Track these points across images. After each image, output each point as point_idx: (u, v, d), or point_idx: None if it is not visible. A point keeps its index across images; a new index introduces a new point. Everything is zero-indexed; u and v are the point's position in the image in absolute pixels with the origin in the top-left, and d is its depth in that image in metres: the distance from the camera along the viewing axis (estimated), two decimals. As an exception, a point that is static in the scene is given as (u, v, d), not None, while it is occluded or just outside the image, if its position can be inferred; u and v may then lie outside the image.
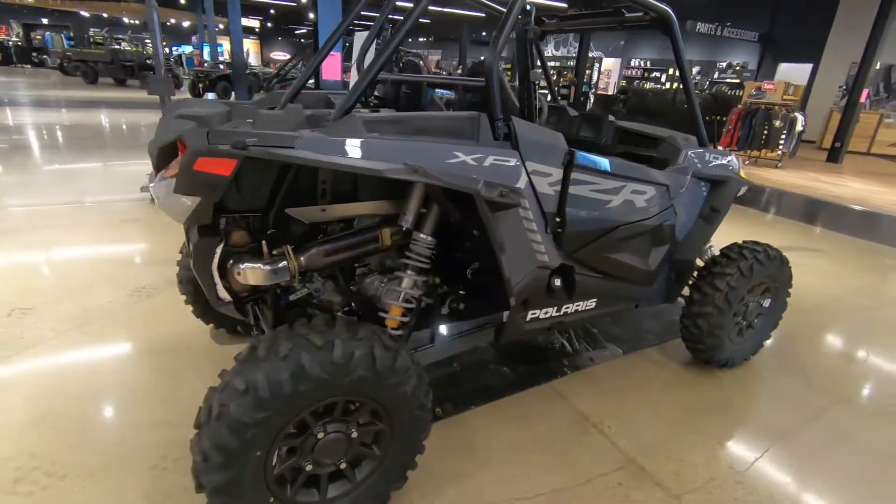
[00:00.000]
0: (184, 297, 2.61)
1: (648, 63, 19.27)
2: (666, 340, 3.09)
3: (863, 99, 11.19)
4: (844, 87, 14.11)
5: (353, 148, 1.43)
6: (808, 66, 15.25)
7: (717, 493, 1.94)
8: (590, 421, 2.32)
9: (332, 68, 5.44)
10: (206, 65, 18.30)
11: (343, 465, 1.60)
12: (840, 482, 2.05)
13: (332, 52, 5.19)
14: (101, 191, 5.44)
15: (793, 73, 15.73)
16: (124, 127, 9.97)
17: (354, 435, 1.57)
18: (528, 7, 1.70)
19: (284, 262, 1.68)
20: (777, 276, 2.66)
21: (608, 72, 21.20)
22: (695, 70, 17.66)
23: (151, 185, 1.58)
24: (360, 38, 5.71)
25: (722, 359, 2.69)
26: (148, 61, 18.21)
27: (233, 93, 15.16)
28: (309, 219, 1.79)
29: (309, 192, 1.78)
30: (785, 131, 9.72)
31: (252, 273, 1.66)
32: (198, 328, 2.80)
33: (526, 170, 1.75)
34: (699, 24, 14.42)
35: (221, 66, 16.40)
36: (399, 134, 1.55)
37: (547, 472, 2.01)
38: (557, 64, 22.30)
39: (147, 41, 24.10)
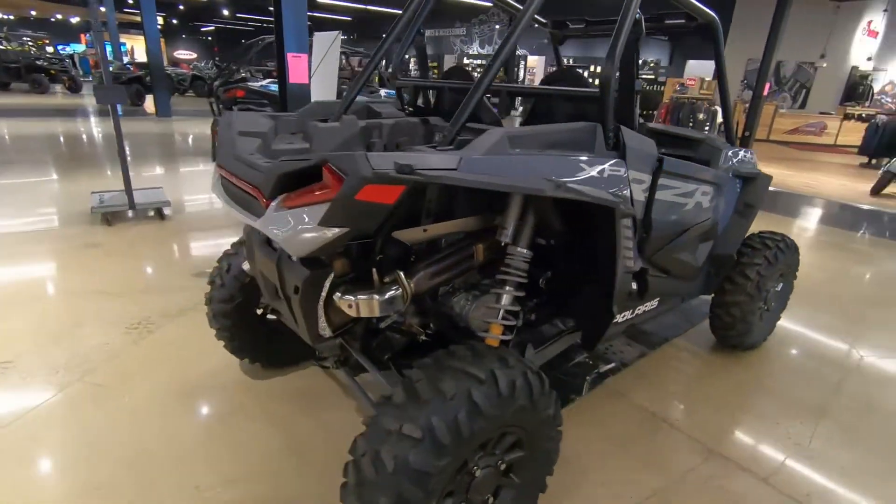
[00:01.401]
0: (215, 332, 2.34)
1: (571, 60, 20.20)
2: (686, 331, 3.26)
3: (765, 92, 12.48)
4: (745, 81, 15.68)
5: (508, 167, 1.35)
6: (713, 63, 16.75)
7: (798, 469, 2.08)
8: (657, 416, 2.39)
9: (299, 71, 5.13)
10: (112, 66, 16.51)
11: (490, 500, 1.52)
12: (881, 444, 2.28)
13: (298, 54, 4.91)
14: (35, 213, 4.74)
15: (699, 69, 17.21)
16: (24, 138, 8.76)
17: (502, 467, 1.49)
18: (638, 15, 1.69)
19: (398, 290, 1.56)
20: (791, 262, 2.90)
21: (533, 69, 21.93)
22: (614, 67, 18.77)
23: (262, 217, 1.38)
24: (319, 38, 5.44)
25: (749, 342, 2.89)
26: (38, 62, 16.14)
27: (148, 97, 13.88)
28: (411, 241, 1.67)
29: (412, 213, 1.66)
30: (708, 123, 10.62)
31: (366, 304, 1.52)
32: (224, 363, 2.54)
33: (628, 178, 1.75)
34: (619, 23, 15.31)
35: (130, 68, 14.93)
36: (532, 148, 1.49)
37: (642, 473, 2.04)
38: (483, 62, 22.72)
39: (28, 40, 21.35)
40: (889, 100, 17.49)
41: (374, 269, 1.57)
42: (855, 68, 16.19)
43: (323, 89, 5.53)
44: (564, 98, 1.99)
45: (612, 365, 2.75)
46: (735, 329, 2.77)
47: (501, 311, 1.77)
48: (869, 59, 15.39)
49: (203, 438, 2.08)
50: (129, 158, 4.40)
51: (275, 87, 7.50)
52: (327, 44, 5.51)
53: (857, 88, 16.69)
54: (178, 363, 2.57)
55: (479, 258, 1.83)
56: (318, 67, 5.40)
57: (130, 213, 4.77)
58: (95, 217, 4.60)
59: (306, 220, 1.26)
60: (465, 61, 23.56)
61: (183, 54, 34.09)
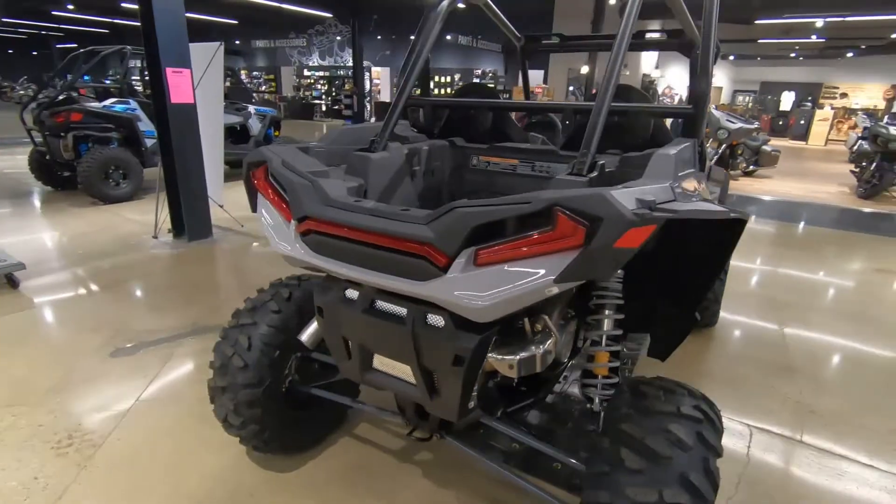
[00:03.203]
0: (234, 428, 1.83)
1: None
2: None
3: (593, 97, 14.43)
4: (571, 88, 17.87)
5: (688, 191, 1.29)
6: (541, 72, 18.75)
7: (813, 424, 2.41)
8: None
9: (182, 88, 4.29)
10: None
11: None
12: (845, 384, 2.76)
13: (179, 69, 4.18)
14: None
15: (531, 78, 19.11)
16: None
17: None
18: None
19: (551, 337, 1.39)
20: (733, 244, 3.35)
21: (377, 80, 21.98)
22: (456, 77, 19.84)
23: (434, 279, 1.08)
24: (195, 49, 4.66)
25: (715, 320, 3.28)
26: None
27: None
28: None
29: None
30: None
31: (530, 361, 1.33)
32: (228, 463, 2.05)
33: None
34: (460, 36, 16.24)
35: None
36: (681, 169, 1.45)
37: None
38: (327, 73, 22.09)
39: None
40: (668, 100, 21.66)
41: (526, 319, 1.37)
42: (645, 75, 19.64)
43: (209, 109, 4.75)
44: (632, 115, 1.97)
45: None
46: (710, 310, 3.12)
47: (605, 338, 1.70)
48: (657, 67, 18.82)
49: (266, 570, 1.60)
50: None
51: (121, 108, 6.23)
52: (207, 56, 4.75)
53: (647, 91, 20.30)
54: (163, 479, 1.95)
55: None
56: (198, 84, 4.61)
57: (-39, 287, 3.50)
58: None
59: (533, 276, 1.04)
60: (306, 73, 22.60)
61: (-80, 68, 26.43)
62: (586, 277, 1.07)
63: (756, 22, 16.39)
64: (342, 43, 21.08)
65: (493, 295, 1.07)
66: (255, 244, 4.83)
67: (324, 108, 21.83)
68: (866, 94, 20.87)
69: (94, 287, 3.75)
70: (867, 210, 7.65)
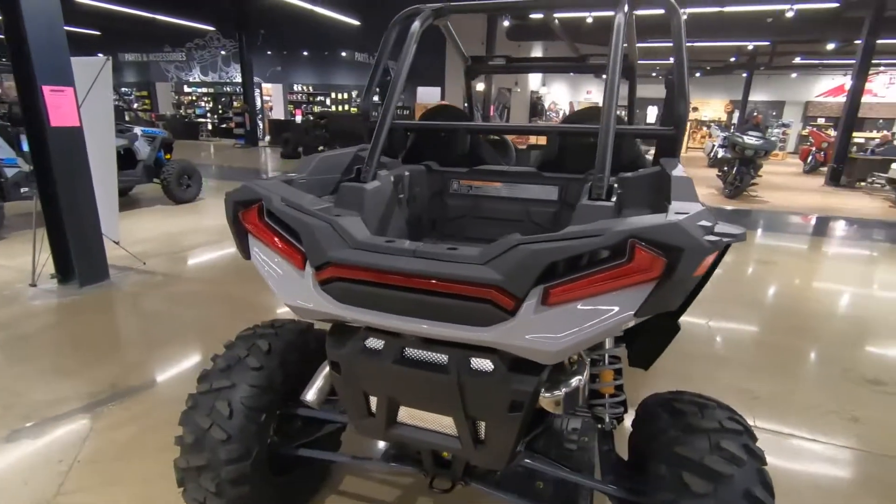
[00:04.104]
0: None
1: (311, 88, 20.06)
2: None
3: (491, 114, 15.08)
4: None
5: None
6: (438, 89, 19.20)
7: (761, 409, 2.66)
8: (654, 406, 2.69)
9: (63, 110, 3.65)
10: None
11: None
12: (774, 369, 3.10)
13: (59, 87, 3.64)
14: None
15: (427, 95, 19.45)
16: None
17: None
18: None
19: (586, 369, 1.37)
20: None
21: (269, 97, 20.94)
22: (354, 93, 19.58)
23: (502, 323, 0.99)
24: (78, 64, 4.03)
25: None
26: None
27: None
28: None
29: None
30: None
31: (572, 396, 1.29)
32: None
33: None
34: (356, 53, 16.08)
35: None
36: None
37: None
38: (211, 90, 20.58)
39: None
40: (554, 115, 23.42)
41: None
42: (534, 92, 21.04)
43: (98, 133, 4.13)
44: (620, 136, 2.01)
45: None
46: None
47: (606, 356, 1.72)
48: (543, 84, 20.24)
49: None
50: None
51: (-31, 133, 5.20)
52: (91, 72, 4.14)
53: (536, 107, 21.74)
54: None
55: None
56: (82, 104, 3.99)
57: None
58: None
59: (610, 312, 0.99)
60: (186, 89, 20.85)
61: None
62: (662, 309, 1.05)
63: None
64: (227, 58, 19.78)
65: (569, 335, 1.01)
66: (160, 283, 4.26)
67: (210, 126, 20.28)
68: (712, 108, 24.40)
69: (-41, 355, 3.02)
70: (730, 208, 8.85)
